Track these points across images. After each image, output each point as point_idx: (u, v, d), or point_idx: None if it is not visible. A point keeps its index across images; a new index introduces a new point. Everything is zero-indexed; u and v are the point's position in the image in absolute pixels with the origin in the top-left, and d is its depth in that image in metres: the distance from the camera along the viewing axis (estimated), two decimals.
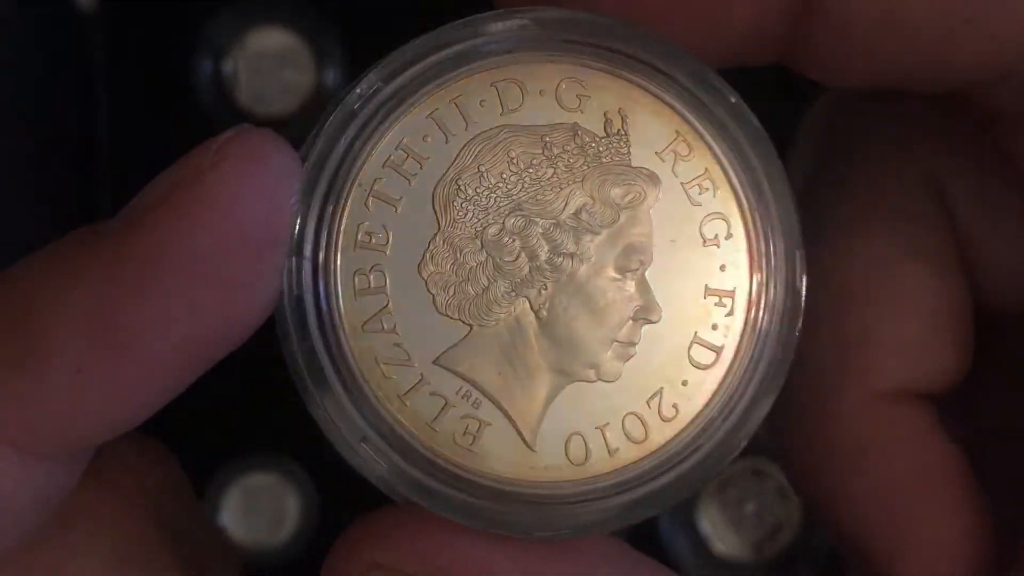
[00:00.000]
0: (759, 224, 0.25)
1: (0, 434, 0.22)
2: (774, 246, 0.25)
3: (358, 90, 0.26)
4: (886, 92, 0.29)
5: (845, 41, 0.25)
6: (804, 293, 0.25)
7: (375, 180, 0.25)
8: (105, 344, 0.21)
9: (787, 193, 0.25)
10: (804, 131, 0.31)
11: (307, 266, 0.25)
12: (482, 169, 0.25)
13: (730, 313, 0.25)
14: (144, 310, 0.21)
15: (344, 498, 0.54)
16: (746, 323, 0.25)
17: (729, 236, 0.25)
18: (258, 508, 0.54)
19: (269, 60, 0.54)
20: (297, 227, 0.24)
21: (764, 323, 0.25)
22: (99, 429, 0.23)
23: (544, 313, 0.25)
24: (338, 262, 0.25)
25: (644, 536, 0.53)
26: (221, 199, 0.21)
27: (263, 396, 0.54)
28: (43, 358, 0.21)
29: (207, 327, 0.22)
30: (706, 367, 0.25)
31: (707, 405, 0.25)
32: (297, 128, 0.54)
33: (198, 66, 0.54)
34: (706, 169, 0.25)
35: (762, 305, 0.25)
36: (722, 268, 0.25)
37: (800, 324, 0.25)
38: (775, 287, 0.25)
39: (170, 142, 0.54)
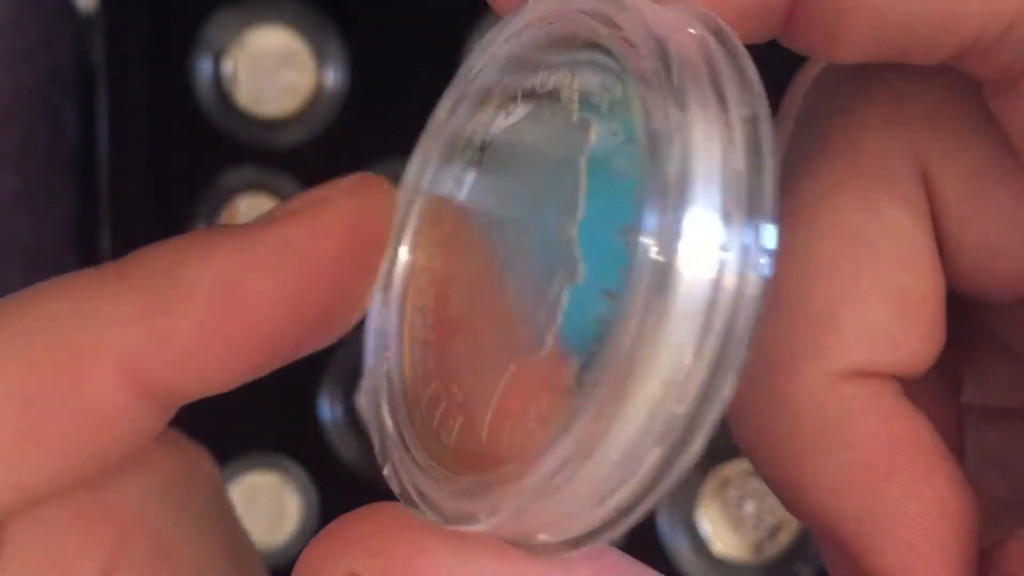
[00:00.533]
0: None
1: (131, 367, 0.25)
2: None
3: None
4: (877, 67, 0.28)
5: (843, 7, 0.25)
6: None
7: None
8: (227, 309, 0.25)
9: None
10: (783, 109, 0.31)
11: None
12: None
13: None
14: (263, 287, 0.25)
15: (344, 498, 0.54)
16: None
17: None
18: (258, 508, 0.54)
19: (269, 60, 0.54)
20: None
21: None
22: (200, 383, 0.26)
23: None
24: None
25: (644, 536, 0.53)
26: (345, 217, 0.25)
27: (263, 396, 0.54)
28: (180, 309, 0.25)
29: (310, 318, 0.25)
30: None
31: None
32: (297, 128, 0.54)
33: (198, 66, 0.54)
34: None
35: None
36: None
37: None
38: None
39: (170, 142, 0.54)
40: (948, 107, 0.28)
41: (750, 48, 0.24)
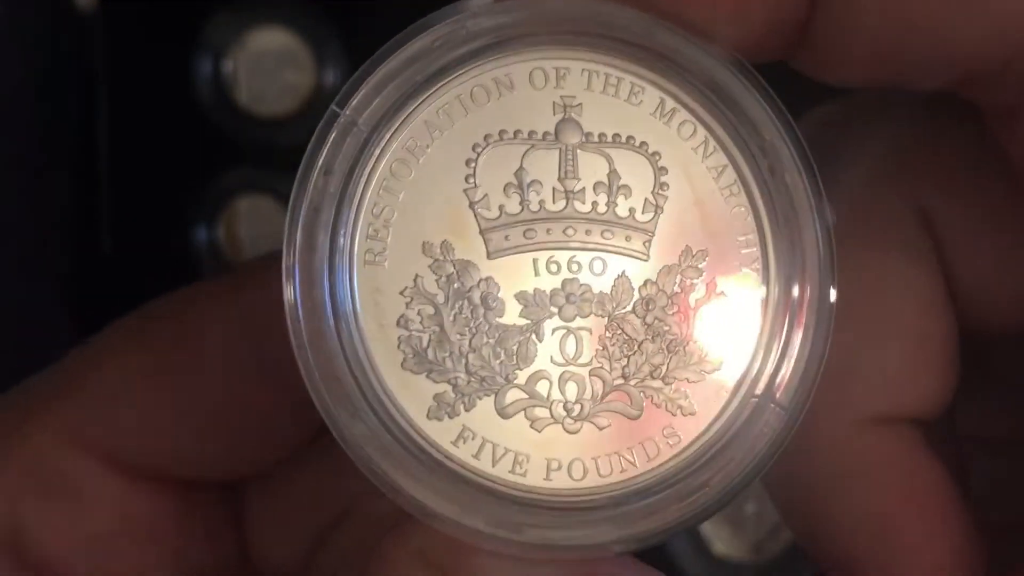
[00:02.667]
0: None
1: None
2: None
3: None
4: (874, 108, 0.29)
5: (850, 33, 0.25)
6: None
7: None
8: None
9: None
10: None
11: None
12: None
13: None
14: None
15: None
16: None
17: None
18: None
19: (269, 60, 0.54)
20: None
21: None
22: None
23: None
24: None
25: None
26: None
27: None
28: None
29: None
30: None
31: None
32: (297, 128, 0.54)
33: (198, 66, 0.54)
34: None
35: None
36: None
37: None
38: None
39: (170, 142, 0.54)
40: (945, 153, 0.29)
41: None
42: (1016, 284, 0.29)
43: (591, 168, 0.26)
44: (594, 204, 0.26)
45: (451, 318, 0.25)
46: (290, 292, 0.25)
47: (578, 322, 0.26)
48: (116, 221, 0.53)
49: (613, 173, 0.26)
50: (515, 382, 0.25)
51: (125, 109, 0.53)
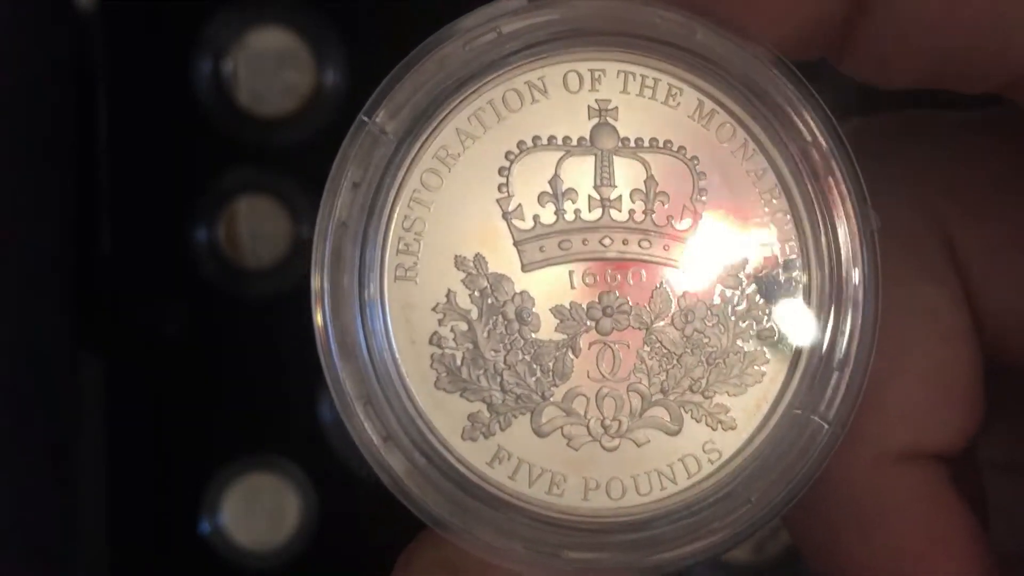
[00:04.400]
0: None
1: None
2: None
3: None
4: (897, 131, 0.28)
5: (898, 33, 0.25)
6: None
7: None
8: None
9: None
10: None
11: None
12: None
13: None
14: None
15: (344, 498, 0.54)
16: None
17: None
18: (258, 508, 0.54)
19: (269, 60, 0.54)
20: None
21: None
22: None
23: None
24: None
25: None
26: None
27: (263, 396, 0.54)
28: None
29: None
30: None
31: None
32: (297, 128, 0.54)
33: (198, 66, 0.54)
34: None
35: None
36: None
37: None
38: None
39: (170, 142, 0.54)
40: (969, 179, 0.28)
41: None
42: None
43: (627, 174, 0.25)
44: (631, 212, 0.25)
45: (485, 334, 0.25)
46: (319, 316, 0.24)
47: (615, 336, 0.25)
48: (116, 221, 0.53)
49: (650, 179, 0.25)
50: (551, 400, 0.25)
51: (125, 109, 0.53)
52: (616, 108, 0.25)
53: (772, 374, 0.25)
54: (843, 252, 0.25)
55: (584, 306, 0.25)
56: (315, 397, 0.54)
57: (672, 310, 0.25)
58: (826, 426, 0.25)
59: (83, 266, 0.53)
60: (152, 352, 0.53)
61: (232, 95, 0.54)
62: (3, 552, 0.51)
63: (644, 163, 0.25)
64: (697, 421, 0.25)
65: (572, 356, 0.25)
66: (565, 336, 0.25)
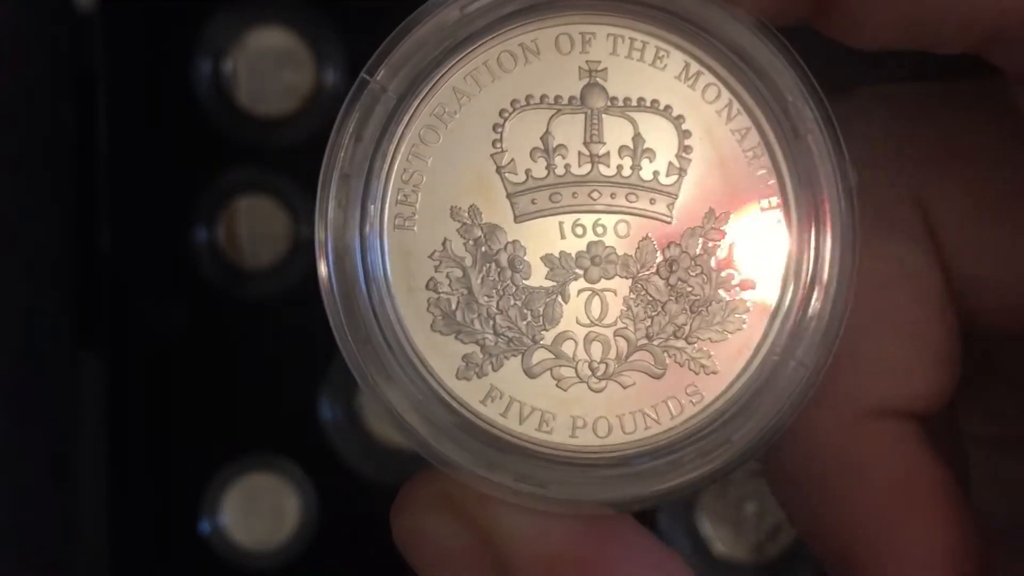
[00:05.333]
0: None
1: None
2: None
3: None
4: (873, 100, 0.29)
5: None
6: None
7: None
8: None
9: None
10: None
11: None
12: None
13: None
14: None
15: (344, 498, 0.54)
16: None
17: None
18: (258, 508, 0.54)
19: (269, 60, 0.54)
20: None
21: None
22: None
23: None
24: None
25: None
26: None
27: (263, 396, 0.54)
28: None
29: None
30: None
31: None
32: (297, 128, 0.54)
33: (198, 66, 0.54)
34: None
35: None
36: None
37: None
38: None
39: (170, 142, 0.54)
40: (943, 144, 0.29)
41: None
42: (1017, 277, 0.29)
43: (616, 132, 0.26)
44: (619, 168, 0.26)
45: (479, 281, 0.26)
46: (323, 265, 0.26)
47: (603, 284, 0.26)
48: (116, 221, 0.53)
49: (638, 137, 0.26)
50: (541, 343, 0.26)
51: (125, 109, 0.53)
52: (606, 69, 0.26)
53: (752, 322, 0.26)
54: (822, 207, 0.26)
55: (573, 255, 0.26)
56: (315, 397, 0.54)
57: (657, 260, 0.26)
58: (803, 370, 0.26)
59: (83, 266, 0.53)
60: (152, 352, 0.54)
61: (232, 95, 0.54)
62: (3, 552, 0.51)
63: (632, 121, 0.26)
64: (680, 365, 0.26)
65: (561, 302, 0.26)
66: (555, 283, 0.26)
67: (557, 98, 0.26)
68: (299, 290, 0.53)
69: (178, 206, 0.54)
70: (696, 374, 0.26)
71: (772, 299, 0.26)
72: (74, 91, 0.53)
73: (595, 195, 0.26)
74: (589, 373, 0.26)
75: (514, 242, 0.26)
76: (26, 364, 0.53)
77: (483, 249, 0.26)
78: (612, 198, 0.26)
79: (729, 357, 0.26)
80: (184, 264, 0.54)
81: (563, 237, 0.26)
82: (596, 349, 0.26)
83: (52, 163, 0.54)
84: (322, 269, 0.25)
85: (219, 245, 0.54)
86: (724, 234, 0.26)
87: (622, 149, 0.26)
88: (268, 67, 0.54)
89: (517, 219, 0.26)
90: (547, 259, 0.26)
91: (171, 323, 0.54)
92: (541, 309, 0.26)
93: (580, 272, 0.26)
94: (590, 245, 0.26)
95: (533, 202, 0.26)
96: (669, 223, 0.26)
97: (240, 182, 0.54)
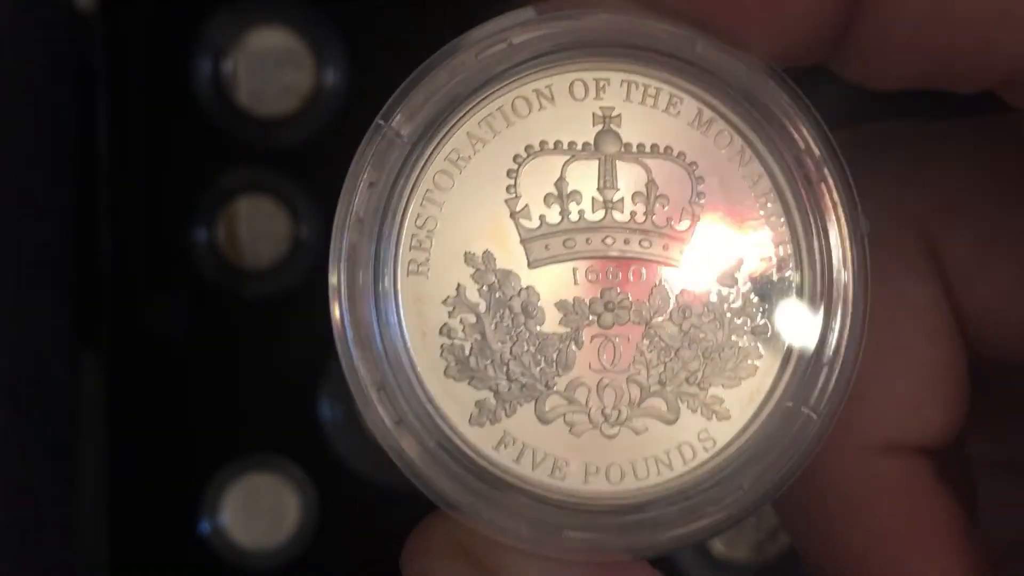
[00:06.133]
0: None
1: None
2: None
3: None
4: (881, 138, 0.29)
5: (890, 37, 0.25)
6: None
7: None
8: None
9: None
10: None
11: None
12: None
13: None
14: None
15: (344, 498, 0.54)
16: None
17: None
18: (258, 508, 0.54)
19: (269, 60, 0.54)
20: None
21: None
22: None
23: None
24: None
25: None
26: None
27: (263, 396, 0.54)
28: None
29: None
30: None
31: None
32: (297, 128, 0.54)
33: (198, 66, 0.54)
34: None
35: None
36: None
37: None
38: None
39: (170, 142, 0.54)
40: (950, 181, 0.29)
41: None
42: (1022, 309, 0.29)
43: (629, 178, 0.26)
44: (632, 214, 0.26)
45: (492, 327, 0.26)
46: (336, 309, 0.26)
47: (616, 330, 0.26)
48: (116, 221, 0.53)
49: (651, 183, 0.26)
50: (555, 389, 0.26)
51: (125, 109, 0.53)
52: (619, 115, 0.26)
53: (765, 368, 0.26)
54: (834, 254, 0.26)
55: (587, 301, 0.26)
56: (315, 397, 0.54)
57: (670, 306, 0.26)
58: (815, 417, 0.26)
59: (83, 265, 0.53)
60: (152, 352, 0.54)
61: (232, 95, 0.54)
62: (3, 552, 0.52)
63: (645, 167, 0.26)
64: (693, 411, 0.26)
65: (575, 348, 0.26)
66: (568, 329, 0.26)
67: (571, 144, 0.26)
68: (299, 290, 0.53)
69: (178, 206, 0.54)
70: (709, 420, 0.26)
71: (784, 345, 0.26)
72: (74, 91, 0.53)
73: (609, 241, 0.26)
74: (602, 419, 0.26)
75: (528, 288, 0.26)
76: (26, 363, 0.53)
77: (497, 295, 0.26)
78: (626, 244, 0.26)
79: (742, 403, 0.26)
80: (184, 264, 0.54)
81: (576, 283, 0.26)
82: (609, 395, 0.26)
83: (52, 163, 0.54)
84: (336, 314, 0.25)
85: (219, 245, 0.54)
86: (736, 280, 0.26)
87: (636, 195, 0.26)
88: (268, 67, 0.54)
89: (531, 265, 0.26)
90: (561, 305, 0.26)
91: (171, 323, 0.54)
92: (554, 355, 0.26)
93: (593, 318, 0.26)
94: (603, 291, 0.26)
95: (547, 248, 0.26)
96: (682, 268, 0.26)
97: (240, 182, 0.54)
